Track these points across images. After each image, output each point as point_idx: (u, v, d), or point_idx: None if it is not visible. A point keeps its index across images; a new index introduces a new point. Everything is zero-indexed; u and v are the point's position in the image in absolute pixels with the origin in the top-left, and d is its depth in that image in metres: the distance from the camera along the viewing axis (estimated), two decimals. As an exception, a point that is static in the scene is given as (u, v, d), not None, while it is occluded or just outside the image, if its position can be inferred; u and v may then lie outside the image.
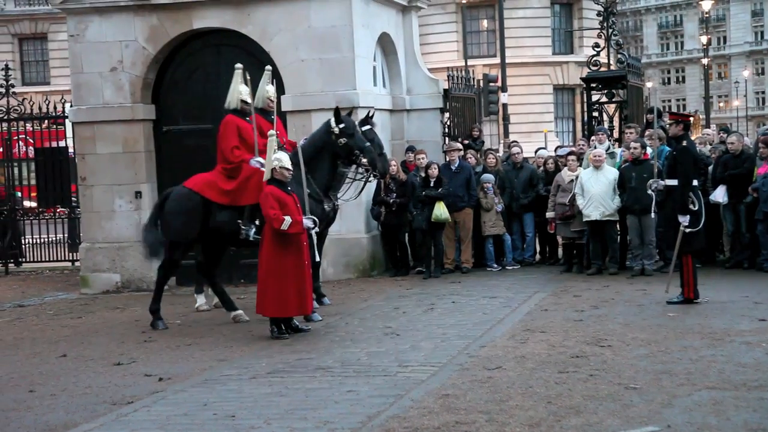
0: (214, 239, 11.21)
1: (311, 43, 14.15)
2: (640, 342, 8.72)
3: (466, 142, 15.86)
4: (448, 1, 39.47)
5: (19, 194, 19.72)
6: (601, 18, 17.59)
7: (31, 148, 19.53)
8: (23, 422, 7.04)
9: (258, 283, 9.84)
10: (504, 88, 29.19)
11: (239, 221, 10.74)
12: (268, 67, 11.99)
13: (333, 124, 11.10)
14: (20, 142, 19.32)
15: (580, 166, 14.02)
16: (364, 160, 11.17)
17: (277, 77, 12.96)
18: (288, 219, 9.47)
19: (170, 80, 14.88)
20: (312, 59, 14.16)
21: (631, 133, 14.19)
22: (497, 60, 32.40)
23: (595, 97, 16.45)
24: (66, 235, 18.61)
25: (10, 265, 18.20)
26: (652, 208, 11.64)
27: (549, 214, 14.18)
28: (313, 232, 9.87)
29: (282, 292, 9.57)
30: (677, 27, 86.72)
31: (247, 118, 10.99)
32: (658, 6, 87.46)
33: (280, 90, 13.25)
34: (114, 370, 8.76)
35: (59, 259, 18.41)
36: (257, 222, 10.58)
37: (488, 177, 14.66)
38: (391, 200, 14.16)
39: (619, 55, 16.76)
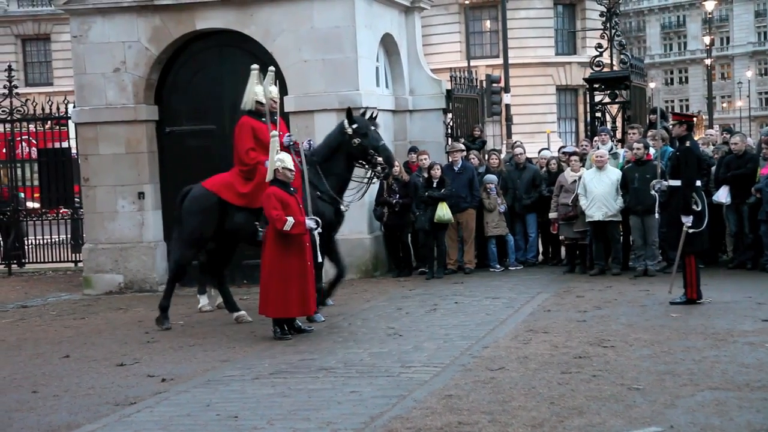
0: (227, 239, 11.23)
1: (314, 44, 14.15)
2: (643, 342, 8.71)
3: (464, 141, 15.83)
4: (451, 1, 39.46)
5: (22, 195, 19.78)
6: (604, 18, 17.62)
7: (34, 149, 19.57)
8: (26, 423, 7.05)
9: (261, 283, 9.84)
10: (507, 89, 29.21)
11: (257, 223, 10.74)
12: (271, 68, 11.98)
13: (346, 125, 11.09)
14: (23, 143, 19.33)
15: (583, 166, 14.02)
16: (380, 159, 11.14)
17: (279, 78, 12.95)
18: (291, 220, 9.47)
19: (173, 81, 14.89)
20: (315, 60, 14.16)
21: (634, 133, 14.20)
22: (500, 61, 32.46)
23: (598, 98, 16.41)
24: (69, 235, 18.63)
25: (13, 265, 18.22)
26: (655, 209, 11.61)
27: (552, 215, 14.16)
28: (315, 232, 9.88)
29: (285, 293, 9.57)
30: (680, 27, 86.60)
31: (262, 119, 10.99)
32: (661, 6, 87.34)
33: (283, 91, 13.23)
34: (117, 370, 8.77)
35: (62, 259, 18.43)
36: None
37: (491, 177, 14.66)
38: (394, 201, 14.16)
39: (622, 56, 16.72)
